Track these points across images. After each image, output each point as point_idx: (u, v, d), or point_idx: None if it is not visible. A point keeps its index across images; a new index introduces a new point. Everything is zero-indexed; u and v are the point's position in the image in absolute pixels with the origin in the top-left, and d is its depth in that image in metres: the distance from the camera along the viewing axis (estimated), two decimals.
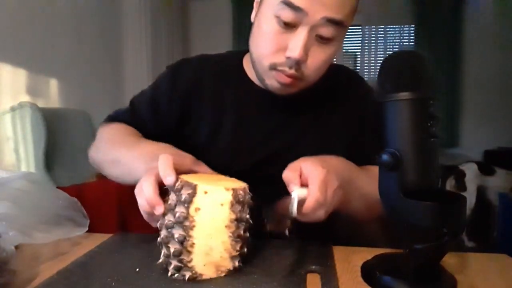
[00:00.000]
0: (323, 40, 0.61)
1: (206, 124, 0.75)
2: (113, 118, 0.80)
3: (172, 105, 0.76)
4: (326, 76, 0.68)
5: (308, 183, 0.53)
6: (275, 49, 0.62)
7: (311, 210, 0.52)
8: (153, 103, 0.77)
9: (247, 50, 0.77)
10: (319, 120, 0.75)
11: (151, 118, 0.77)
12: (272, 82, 0.66)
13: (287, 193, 0.54)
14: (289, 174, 0.55)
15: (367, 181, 0.64)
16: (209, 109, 0.75)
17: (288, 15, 0.58)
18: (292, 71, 0.62)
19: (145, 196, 0.51)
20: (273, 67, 0.63)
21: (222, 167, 0.60)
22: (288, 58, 0.60)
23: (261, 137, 0.74)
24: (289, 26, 0.59)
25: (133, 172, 0.60)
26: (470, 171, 2.49)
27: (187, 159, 0.58)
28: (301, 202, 0.52)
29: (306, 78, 0.64)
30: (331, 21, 0.58)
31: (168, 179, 0.50)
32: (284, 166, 0.57)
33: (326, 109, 0.76)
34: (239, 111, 0.74)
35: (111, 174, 0.70)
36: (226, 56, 0.82)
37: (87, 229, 0.67)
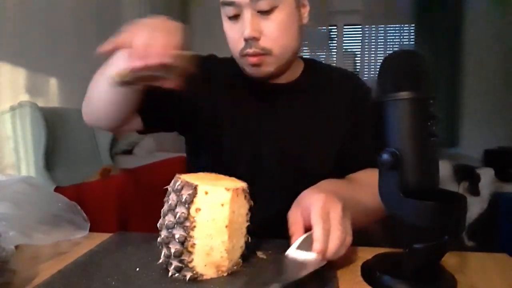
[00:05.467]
0: (266, 13, 0.67)
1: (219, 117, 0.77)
2: None
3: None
4: (318, 71, 0.79)
5: (311, 213, 0.51)
6: (235, 39, 0.70)
7: (323, 241, 0.48)
8: None
9: None
10: (317, 109, 0.78)
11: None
12: (247, 67, 0.72)
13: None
14: (292, 227, 0.53)
15: (364, 192, 0.67)
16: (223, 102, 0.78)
17: (228, 10, 0.69)
18: (253, 49, 0.68)
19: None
20: (242, 54, 0.70)
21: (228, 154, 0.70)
22: (245, 40, 0.68)
23: (256, 120, 0.77)
24: (235, 18, 0.69)
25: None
26: (486, 176, 2.46)
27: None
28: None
29: (270, 51, 0.69)
30: None
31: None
32: (284, 153, 0.71)
33: (323, 102, 0.79)
34: (236, 100, 0.78)
35: (111, 107, 0.66)
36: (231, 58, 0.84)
37: (87, 232, 0.67)
